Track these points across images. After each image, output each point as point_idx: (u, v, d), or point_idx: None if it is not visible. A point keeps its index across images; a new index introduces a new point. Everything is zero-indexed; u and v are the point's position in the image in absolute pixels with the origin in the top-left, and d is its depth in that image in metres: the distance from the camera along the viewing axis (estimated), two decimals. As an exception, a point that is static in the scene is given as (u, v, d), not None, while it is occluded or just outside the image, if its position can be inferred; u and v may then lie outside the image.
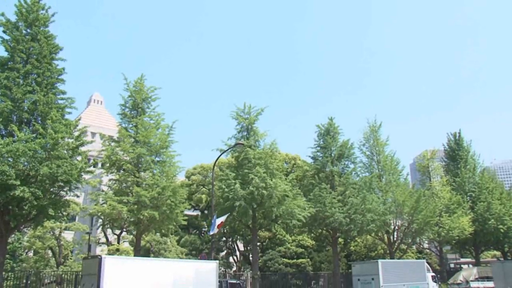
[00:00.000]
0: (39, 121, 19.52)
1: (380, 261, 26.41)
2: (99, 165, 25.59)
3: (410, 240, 35.75)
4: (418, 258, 39.09)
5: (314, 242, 41.15)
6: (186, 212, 29.55)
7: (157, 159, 24.25)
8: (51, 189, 19.10)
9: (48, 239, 35.49)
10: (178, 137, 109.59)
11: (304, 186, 32.25)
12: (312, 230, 32.76)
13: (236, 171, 26.94)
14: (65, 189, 19.71)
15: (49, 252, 37.09)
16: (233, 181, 25.67)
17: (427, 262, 32.14)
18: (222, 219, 22.17)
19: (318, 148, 33.54)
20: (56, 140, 18.55)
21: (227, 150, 26.92)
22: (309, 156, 34.11)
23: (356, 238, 37.86)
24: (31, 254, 38.49)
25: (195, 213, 46.56)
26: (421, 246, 44.96)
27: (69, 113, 20.65)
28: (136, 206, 22.18)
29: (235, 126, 28.60)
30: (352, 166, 33.80)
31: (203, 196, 43.61)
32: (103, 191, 25.43)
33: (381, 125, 37.00)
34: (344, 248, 39.99)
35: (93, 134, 41.06)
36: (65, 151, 19.30)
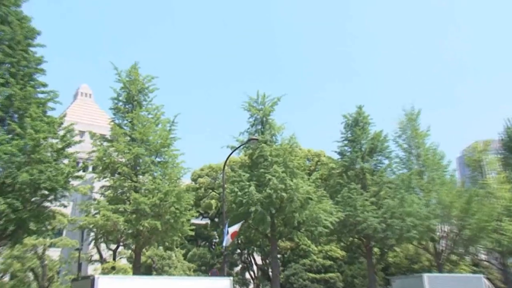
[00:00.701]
0: (16, 119, 19.30)
1: (425, 276, 25.09)
2: (90, 168, 25.20)
3: (462, 250, 34.60)
4: (474, 272, 37.25)
5: (344, 253, 40.38)
6: (193, 221, 29.47)
7: (157, 159, 24.39)
8: (33, 199, 19.05)
9: (29, 259, 34.75)
10: (181, 133, 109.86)
11: (331, 186, 31.87)
12: (342, 239, 32.52)
13: (250, 171, 26.99)
14: (49, 199, 19.65)
15: (30, 274, 36.29)
16: (247, 183, 25.68)
17: (486, 278, 30.41)
18: (235, 228, 22.14)
19: (346, 142, 33.09)
20: (37, 141, 18.43)
21: (239, 147, 26.91)
22: (335, 152, 33.63)
23: (395, 248, 36.69)
24: (6, 278, 37.33)
25: (203, 221, 46.55)
26: (477, 257, 43.00)
27: (52, 109, 20.50)
28: (134, 216, 22.28)
29: (247, 119, 28.71)
30: (386, 161, 33.12)
31: (213, 201, 43.48)
32: (95, 199, 25.46)
33: (419, 112, 36.21)
34: (380, 260, 38.92)
35: (82, 132, 40.95)
36: (49, 154, 19.22)
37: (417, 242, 33.45)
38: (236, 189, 25.77)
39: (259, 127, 28.40)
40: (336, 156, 34.02)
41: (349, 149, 32.81)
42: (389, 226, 29.38)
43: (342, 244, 35.14)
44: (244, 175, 26.33)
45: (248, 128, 28.46)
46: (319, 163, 44.35)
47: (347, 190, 30.14)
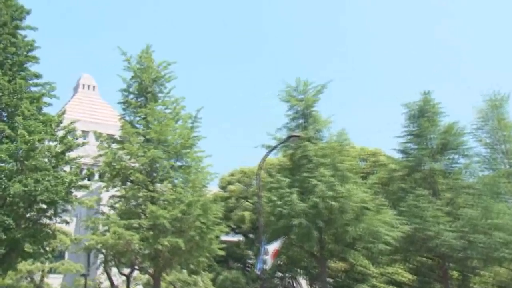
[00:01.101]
0: (5, 119, 19.78)
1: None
2: (96, 176, 26.19)
3: None
4: None
5: (413, 277, 38.91)
6: (223, 238, 29.55)
7: (178, 163, 24.83)
8: (28, 215, 19.57)
9: (25, 289, 35.04)
10: (206, 131, 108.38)
11: (392, 193, 30.99)
12: (409, 258, 32.05)
13: (291, 176, 26.80)
14: (48, 214, 20.09)
15: (26, 307, 36.68)
16: (288, 190, 25.54)
17: None
18: (275, 245, 21.80)
19: (410, 137, 32.18)
20: (32, 144, 18.68)
21: (277, 146, 26.66)
22: (397, 150, 32.75)
23: (480, 271, 34.92)
24: (-3, 312, 37.89)
25: (235, 238, 46.36)
26: None
27: (49, 104, 21.34)
28: (151, 233, 22.54)
29: (285, 111, 28.69)
30: (463, 161, 31.95)
31: (246, 213, 43.17)
32: (103, 213, 25.62)
33: (507, 98, 35.08)
34: (462, 287, 37.44)
35: (85, 133, 41.21)
36: (46, 160, 19.69)
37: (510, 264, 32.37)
38: (274, 198, 25.68)
39: (301, 121, 28.33)
40: (397, 155, 33.26)
41: (415, 146, 31.96)
42: (471, 243, 28.20)
43: (409, 265, 34.63)
44: (283, 181, 26.17)
45: (287, 123, 28.40)
46: (376, 164, 43.11)
47: (413, 197, 29.21)
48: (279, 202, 25.38)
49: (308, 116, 28.21)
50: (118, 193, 24.47)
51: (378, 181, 30.68)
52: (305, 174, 26.20)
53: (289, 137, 25.64)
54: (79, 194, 21.72)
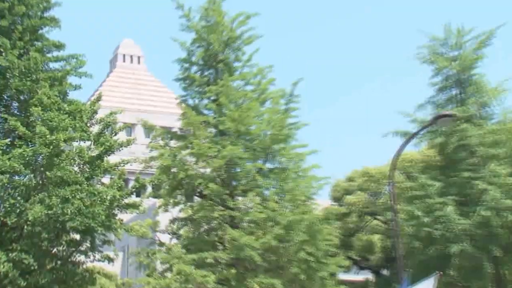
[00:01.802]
0: (16, 111, 19.84)
1: None
2: (149, 189, 25.97)
3: None
4: None
5: None
6: (342, 277, 29.80)
7: (268, 165, 24.88)
8: (54, 250, 19.61)
9: None
10: (306, 114, 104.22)
11: None
12: None
13: (443, 177, 26.57)
14: (82, 248, 20.17)
15: None
16: (440, 200, 25.25)
17: None
18: (425, 286, 19.64)
19: None
20: (56, 146, 18.35)
21: (418, 132, 25.90)
22: None
23: None
24: None
25: (360, 276, 45.58)
26: None
27: (76, 87, 21.04)
28: (234, 271, 22.69)
29: (429, 78, 28.32)
30: None
31: (375, 237, 42.49)
32: (162, 244, 25.78)
33: None
34: None
35: (130, 126, 40.92)
36: (77, 168, 19.67)
37: None
38: (418, 212, 25.36)
39: (455, 92, 27.83)
40: None
41: None
42: None
43: None
44: (432, 185, 25.83)
45: (433, 97, 28.00)
46: None
47: None
48: (425, 219, 25.08)
49: (466, 84, 27.63)
50: (182, 214, 24.92)
51: None
52: (465, 173, 25.63)
53: (437, 117, 23.14)
54: (125, 217, 21.33)
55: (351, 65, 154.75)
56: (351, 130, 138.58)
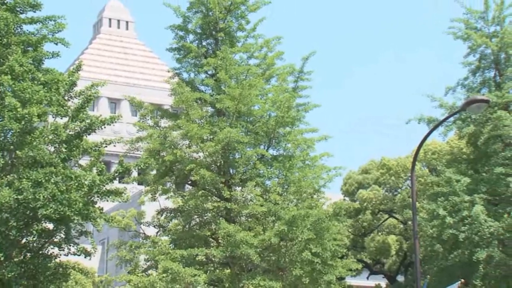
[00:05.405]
0: None
1: None
2: (134, 174, 25.36)
3: None
4: None
5: None
6: (351, 281, 30.04)
7: (272, 152, 25.04)
8: (24, 241, 19.63)
9: None
10: (317, 94, 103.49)
11: None
12: None
13: (472, 172, 26.40)
14: (56, 239, 20.27)
15: None
16: (468, 198, 25.04)
17: None
18: None
19: None
20: (28, 121, 18.49)
21: (446, 119, 25.43)
22: None
23: None
24: None
25: (372, 282, 45.74)
26: None
27: (54, 55, 20.85)
28: (228, 271, 23.14)
29: (463, 57, 28.31)
30: None
31: (391, 238, 41.98)
32: (147, 237, 25.36)
33: None
34: None
35: (115, 102, 40.76)
36: (52, 148, 19.81)
37: None
38: (441, 212, 24.98)
39: (489, 74, 27.69)
40: None
41: None
42: None
43: None
44: (459, 181, 25.42)
45: (465, 79, 27.85)
46: None
47: None
48: (450, 219, 24.81)
49: (505, 66, 27.25)
50: (171, 204, 24.29)
51: None
52: (498, 169, 25.45)
53: (469, 102, 22.13)
54: (106, 205, 21.32)
55: (364, 37, 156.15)
56: (367, 114, 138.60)
